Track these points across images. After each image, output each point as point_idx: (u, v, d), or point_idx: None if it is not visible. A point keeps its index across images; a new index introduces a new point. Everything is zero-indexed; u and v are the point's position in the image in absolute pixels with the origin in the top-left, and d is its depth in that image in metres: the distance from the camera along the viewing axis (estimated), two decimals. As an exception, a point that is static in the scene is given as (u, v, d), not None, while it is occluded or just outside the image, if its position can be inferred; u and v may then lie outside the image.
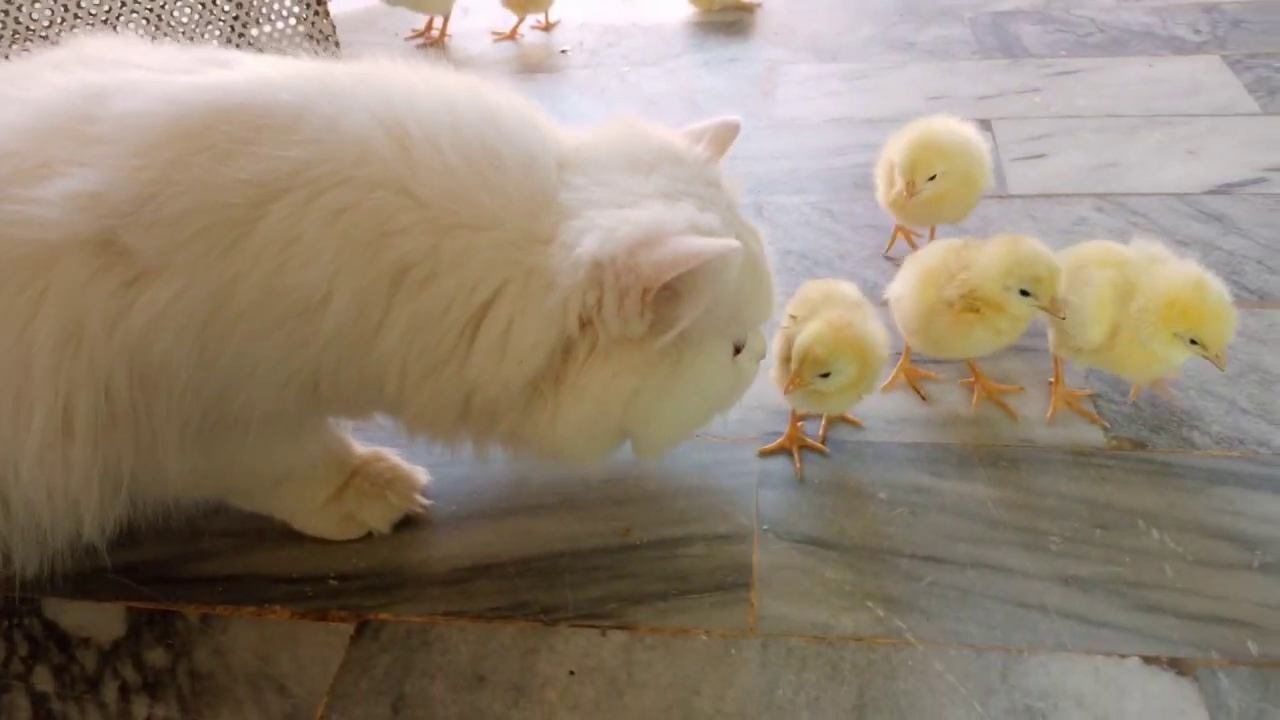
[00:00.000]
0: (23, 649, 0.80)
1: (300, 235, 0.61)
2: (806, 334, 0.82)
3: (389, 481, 0.89)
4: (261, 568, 0.86)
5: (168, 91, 0.64)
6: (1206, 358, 0.81)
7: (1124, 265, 0.86)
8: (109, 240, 0.60)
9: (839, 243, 1.23)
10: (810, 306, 0.87)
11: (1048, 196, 1.28)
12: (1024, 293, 0.86)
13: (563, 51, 1.86)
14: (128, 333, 0.61)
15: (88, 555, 0.75)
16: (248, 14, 1.58)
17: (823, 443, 0.93)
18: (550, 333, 0.64)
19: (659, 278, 0.61)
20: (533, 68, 1.81)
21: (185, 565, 0.87)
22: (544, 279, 0.64)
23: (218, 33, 1.55)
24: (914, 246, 1.17)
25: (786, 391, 0.84)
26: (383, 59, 0.70)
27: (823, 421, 0.95)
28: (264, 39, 1.61)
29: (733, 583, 0.81)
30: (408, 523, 0.89)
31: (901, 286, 0.95)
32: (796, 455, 0.92)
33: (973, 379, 0.98)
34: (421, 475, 0.91)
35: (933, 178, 1.05)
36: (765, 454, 0.93)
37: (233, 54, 0.72)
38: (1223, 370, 0.83)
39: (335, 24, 1.68)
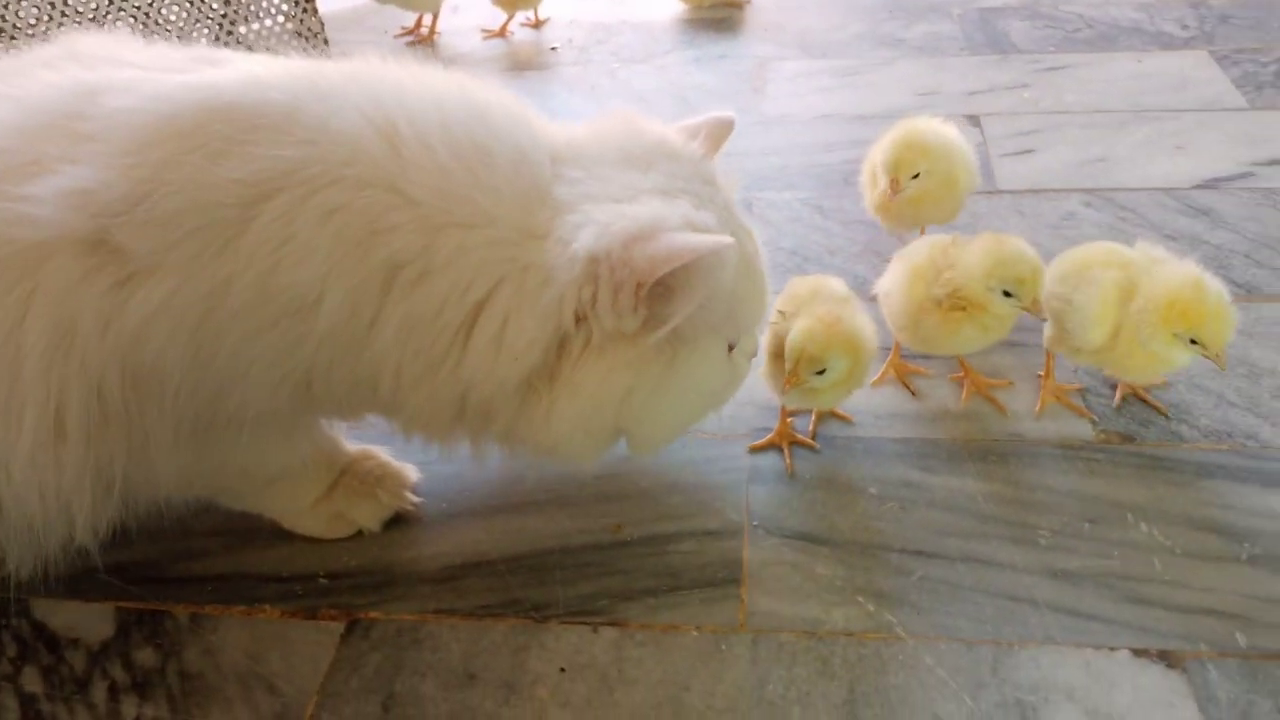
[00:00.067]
0: (11, 650, 0.80)
1: (293, 235, 0.61)
2: (798, 333, 0.82)
3: (379, 479, 0.89)
4: (251, 567, 0.85)
5: (160, 90, 0.64)
6: (1207, 357, 0.81)
7: (1127, 266, 0.85)
8: (101, 239, 0.60)
9: (829, 238, 1.23)
10: (798, 302, 0.88)
11: (1036, 192, 1.28)
12: (1006, 293, 0.86)
13: (552, 49, 1.86)
14: (120, 333, 0.61)
15: (79, 556, 0.75)
16: (236, 12, 1.57)
17: (813, 438, 0.93)
18: (546, 329, 0.64)
19: (653, 273, 0.61)
20: (522, 65, 1.81)
21: (174, 565, 0.86)
22: (540, 275, 0.64)
23: (207, 31, 1.55)
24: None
25: (784, 391, 0.84)
26: (372, 57, 0.70)
27: (813, 417, 0.95)
28: (252, 36, 1.60)
29: (723, 579, 0.81)
30: (398, 521, 0.88)
31: (890, 282, 0.95)
32: (787, 451, 0.92)
33: (962, 374, 0.98)
34: (411, 473, 0.91)
35: (916, 176, 1.05)
36: (755, 450, 0.93)
37: (225, 53, 0.72)
38: (1223, 370, 0.82)
39: (324, 21, 1.67)
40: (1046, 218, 1.23)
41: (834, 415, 0.96)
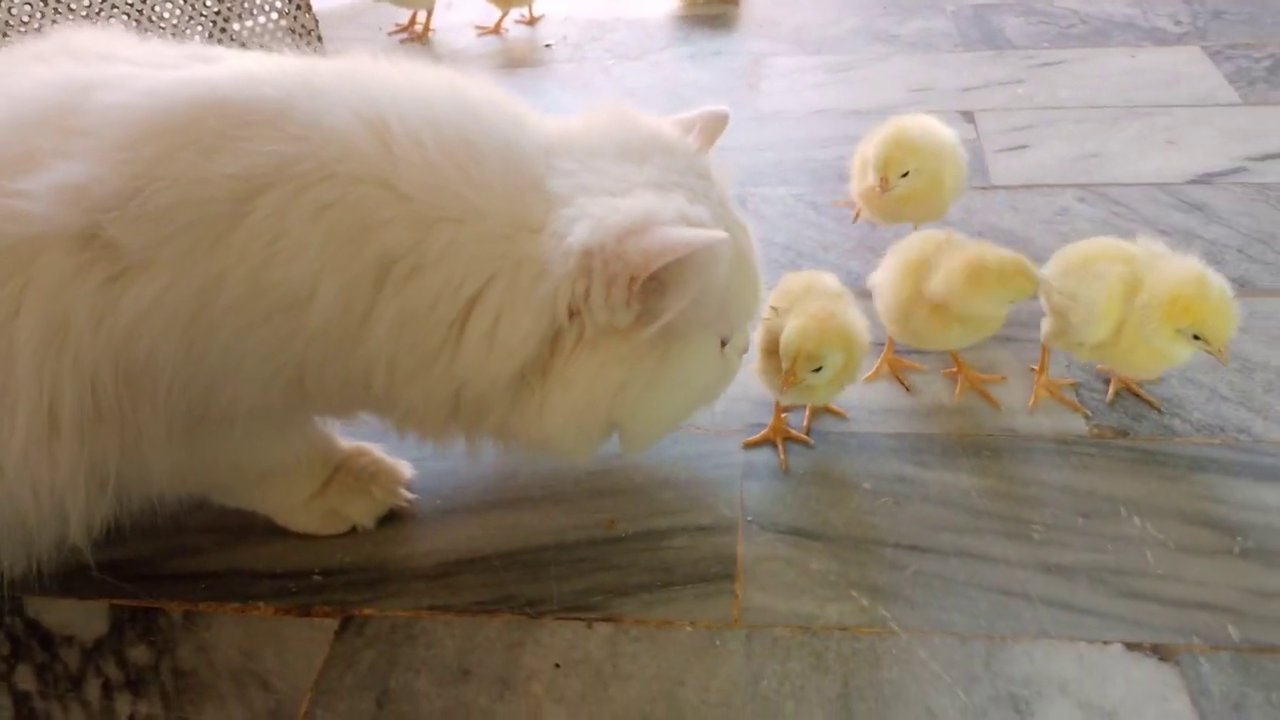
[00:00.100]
0: (4, 648, 0.80)
1: (285, 231, 0.61)
2: (794, 331, 0.81)
3: (373, 476, 0.88)
4: (245, 564, 0.85)
5: (153, 85, 0.64)
6: (1209, 353, 0.81)
7: (1131, 261, 0.85)
8: (93, 234, 0.60)
9: (823, 234, 1.23)
10: (792, 298, 0.88)
11: (1030, 187, 1.28)
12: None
13: (547, 46, 1.85)
14: (113, 329, 0.61)
15: (71, 554, 0.75)
16: (230, 9, 1.57)
17: (807, 434, 0.93)
18: (539, 323, 0.64)
19: (647, 266, 0.61)
20: (516, 62, 1.81)
21: (168, 562, 0.86)
22: (534, 269, 0.64)
23: (201, 29, 1.54)
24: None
25: (783, 390, 0.84)
26: (364, 55, 0.69)
27: (807, 413, 0.95)
28: (246, 34, 1.60)
29: (717, 574, 0.81)
30: (392, 517, 0.88)
31: (882, 277, 0.96)
32: (781, 447, 0.92)
33: (956, 369, 0.98)
34: (406, 469, 0.91)
35: (905, 174, 1.05)
36: (749, 445, 0.93)
37: (218, 50, 0.72)
38: (1225, 365, 0.82)
39: (318, 19, 1.67)
40: (1040, 213, 1.23)
41: (828, 411, 0.96)
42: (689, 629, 0.77)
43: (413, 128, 0.64)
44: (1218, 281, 0.81)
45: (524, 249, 0.64)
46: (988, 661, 0.72)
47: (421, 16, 1.93)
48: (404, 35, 1.94)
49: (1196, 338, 0.81)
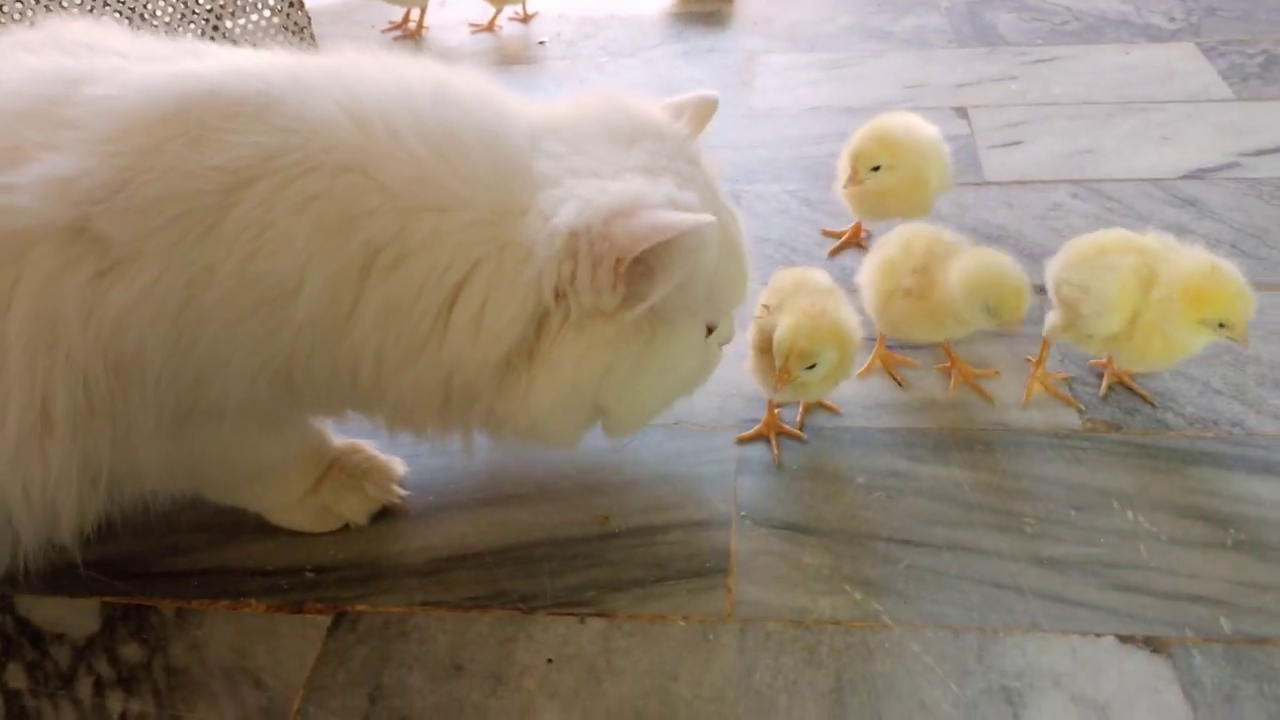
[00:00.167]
0: (-5, 646, 0.80)
1: (273, 222, 0.61)
2: (787, 329, 0.81)
3: (366, 473, 0.88)
4: (237, 561, 0.85)
5: (140, 78, 0.63)
6: (1232, 339, 0.81)
7: (1145, 253, 0.85)
8: (82, 228, 0.60)
9: (816, 230, 1.23)
10: (783, 295, 0.87)
11: (1023, 183, 1.28)
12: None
13: (541, 43, 1.85)
14: (102, 321, 0.61)
15: (61, 552, 0.74)
16: (223, 7, 1.57)
17: (800, 429, 0.93)
18: (526, 306, 0.64)
19: (633, 248, 0.61)
20: (510, 59, 1.81)
21: (160, 560, 0.86)
22: (519, 252, 0.63)
23: (194, 27, 1.54)
24: (863, 248, 1.18)
25: (777, 388, 0.84)
26: (348, 49, 0.69)
27: (800, 408, 0.95)
28: (239, 31, 1.60)
29: (710, 569, 0.81)
30: (385, 514, 0.88)
31: (864, 274, 0.96)
32: (774, 442, 0.92)
33: (949, 364, 0.98)
34: (399, 466, 0.91)
35: (876, 169, 1.05)
36: (743, 441, 0.93)
37: (209, 46, 0.72)
38: (1245, 348, 0.82)
39: (311, 16, 1.66)
40: (1034, 209, 1.23)
41: (821, 406, 0.96)
42: (682, 624, 0.77)
43: (391, 119, 0.64)
44: (1229, 268, 0.81)
45: (509, 233, 0.64)
46: (980, 654, 0.72)
47: (415, 14, 1.93)
48: (397, 33, 1.93)
49: (1221, 325, 0.80)
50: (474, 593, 0.81)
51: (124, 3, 1.45)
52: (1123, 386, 0.95)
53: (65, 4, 1.40)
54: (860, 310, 0.93)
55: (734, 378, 0.94)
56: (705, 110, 0.76)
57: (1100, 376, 0.96)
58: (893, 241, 0.94)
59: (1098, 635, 0.73)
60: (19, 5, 1.36)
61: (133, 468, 0.69)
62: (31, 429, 0.62)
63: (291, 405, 0.73)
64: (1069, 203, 1.23)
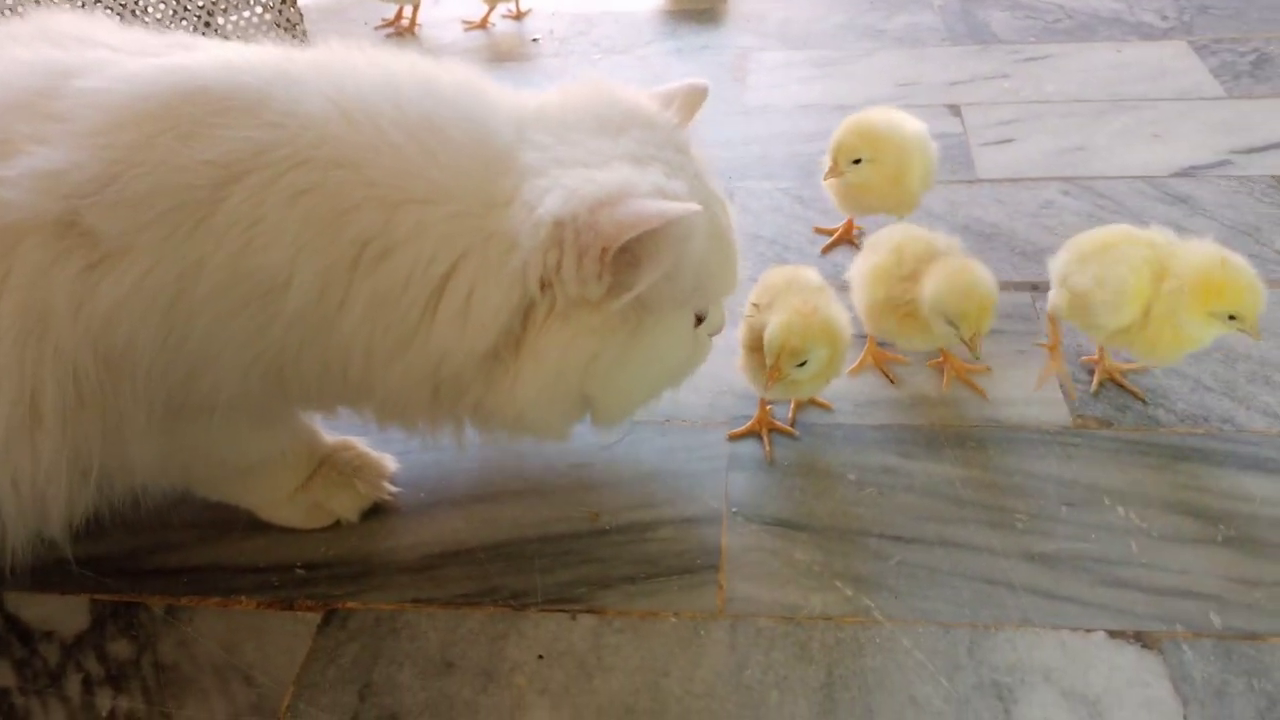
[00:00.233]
0: (-17, 643, 0.79)
1: (263, 216, 0.61)
2: (778, 327, 0.81)
3: (357, 470, 0.88)
4: (228, 558, 0.85)
5: (130, 72, 0.63)
6: (1243, 331, 0.81)
7: (1154, 246, 0.85)
8: (72, 221, 0.60)
9: (809, 227, 1.23)
10: (773, 293, 0.87)
11: (1015, 180, 1.28)
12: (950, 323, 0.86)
13: (534, 40, 1.85)
14: (92, 315, 0.60)
15: (50, 548, 0.74)
16: (215, 3, 1.56)
17: (792, 426, 0.93)
18: (511, 297, 0.64)
19: (619, 237, 0.60)
20: (503, 56, 1.80)
21: (150, 557, 0.86)
22: (505, 242, 0.63)
23: (185, 24, 1.53)
24: (855, 245, 1.18)
25: (768, 386, 0.83)
26: (335, 44, 0.69)
27: (792, 405, 0.95)
28: (231, 28, 1.59)
29: (701, 565, 0.81)
30: (376, 511, 0.88)
31: (855, 276, 0.96)
32: (766, 438, 0.92)
33: (942, 360, 0.98)
34: (390, 463, 0.90)
35: (857, 162, 1.05)
36: (734, 438, 0.93)
37: (200, 40, 0.72)
38: (1257, 339, 0.82)
39: (304, 13, 1.66)
40: (1025, 206, 1.23)
41: (813, 403, 0.96)
42: (673, 620, 0.77)
43: (381, 112, 0.63)
44: (1239, 260, 0.81)
45: (494, 223, 0.63)
46: (971, 650, 0.72)
47: (408, 11, 1.93)
48: (390, 30, 1.93)
49: (1231, 318, 0.80)
50: (465, 589, 0.80)
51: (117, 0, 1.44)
52: (1114, 383, 0.95)
53: (57, 1, 1.40)
54: (851, 308, 0.93)
55: (725, 374, 0.94)
56: (694, 99, 0.76)
57: (1091, 373, 0.96)
58: (884, 245, 0.94)
59: (1088, 630, 0.73)
60: (10, 1, 1.35)
61: (123, 462, 0.69)
62: (21, 421, 0.62)
63: (282, 400, 0.72)
64: (1061, 200, 1.24)
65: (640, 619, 0.77)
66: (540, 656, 0.75)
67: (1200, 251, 0.82)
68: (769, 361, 0.82)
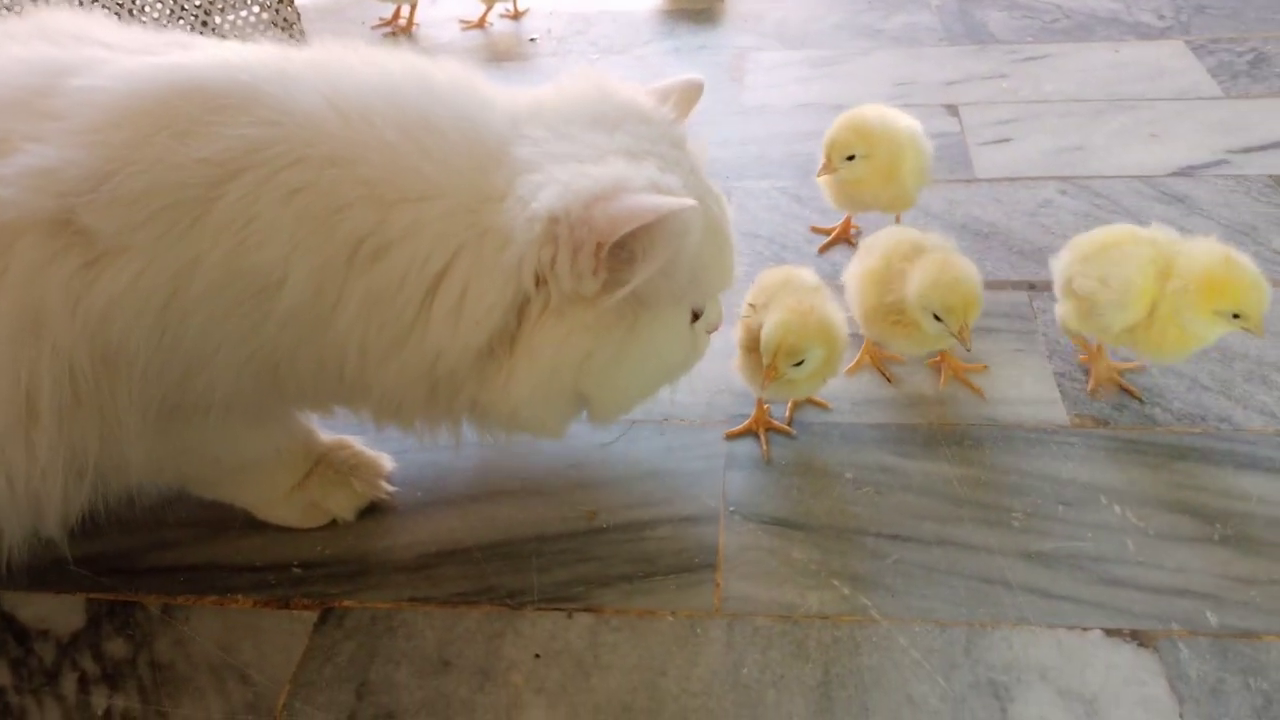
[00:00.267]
0: (-21, 643, 0.79)
1: (258, 214, 0.60)
2: (774, 325, 0.81)
3: (353, 469, 0.88)
4: (224, 557, 0.85)
5: (126, 70, 0.63)
6: (1247, 329, 0.81)
7: (1157, 244, 0.85)
8: (67, 220, 0.60)
9: (806, 227, 1.23)
10: (769, 294, 0.87)
11: (1013, 180, 1.28)
12: (937, 317, 0.86)
13: (531, 39, 1.85)
14: (88, 313, 0.60)
15: (46, 547, 0.74)
16: (212, 3, 1.56)
17: (789, 425, 0.93)
18: (506, 293, 0.63)
19: (613, 232, 0.60)
20: (501, 56, 1.80)
21: (146, 556, 0.85)
22: (499, 238, 0.63)
23: (183, 23, 1.53)
24: (853, 244, 1.18)
25: (764, 385, 0.83)
26: (331, 43, 0.69)
27: (789, 403, 0.95)
28: (228, 27, 1.59)
29: (698, 564, 0.80)
30: (373, 510, 0.88)
31: (849, 278, 0.96)
32: (763, 437, 0.92)
33: (939, 358, 0.98)
34: (386, 462, 0.90)
35: (851, 158, 1.05)
36: (732, 437, 0.93)
37: (195, 38, 0.72)
38: (1261, 337, 0.82)
39: (301, 13, 1.66)
40: (1023, 205, 1.23)
41: (812, 403, 0.96)
42: (670, 618, 0.77)
43: (375, 110, 0.63)
44: (1243, 259, 0.81)
45: (488, 219, 0.63)
46: (967, 648, 0.72)
47: (406, 10, 1.93)
48: (388, 29, 1.93)
49: (1235, 316, 0.80)
50: (462, 588, 0.80)
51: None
52: (1111, 382, 0.95)
53: (55, 1, 1.39)
54: (848, 309, 0.93)
55: (723, 373, 0.94)
56: (691, 94, 0.76)
57: (1087, 373, 0.96)
58: (875, 249, 0.94)
59: (1084, 629, 0.73)
60: (6, 0, 1.35)
61: (119, 460, 0.68)
62: (16, 419, 0.62)
63: (278, 398, 0.72)
64: (1058, 199, 1.24)
65: (637, 618, 0.77)
66: (537, 655, 0.75)
67: (1205, 250, 0.82)
68: (766, 361, 0.82)
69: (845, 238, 1.20)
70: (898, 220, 1.18)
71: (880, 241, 0.95)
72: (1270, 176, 1.24)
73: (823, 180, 1.12)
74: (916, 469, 0.88)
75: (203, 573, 0.83)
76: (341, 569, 0.83)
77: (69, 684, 0.75)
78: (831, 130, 1.07)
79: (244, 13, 1.60)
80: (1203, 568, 0.77)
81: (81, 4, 1.41)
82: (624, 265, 0.62)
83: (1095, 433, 0.90)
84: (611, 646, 0.75)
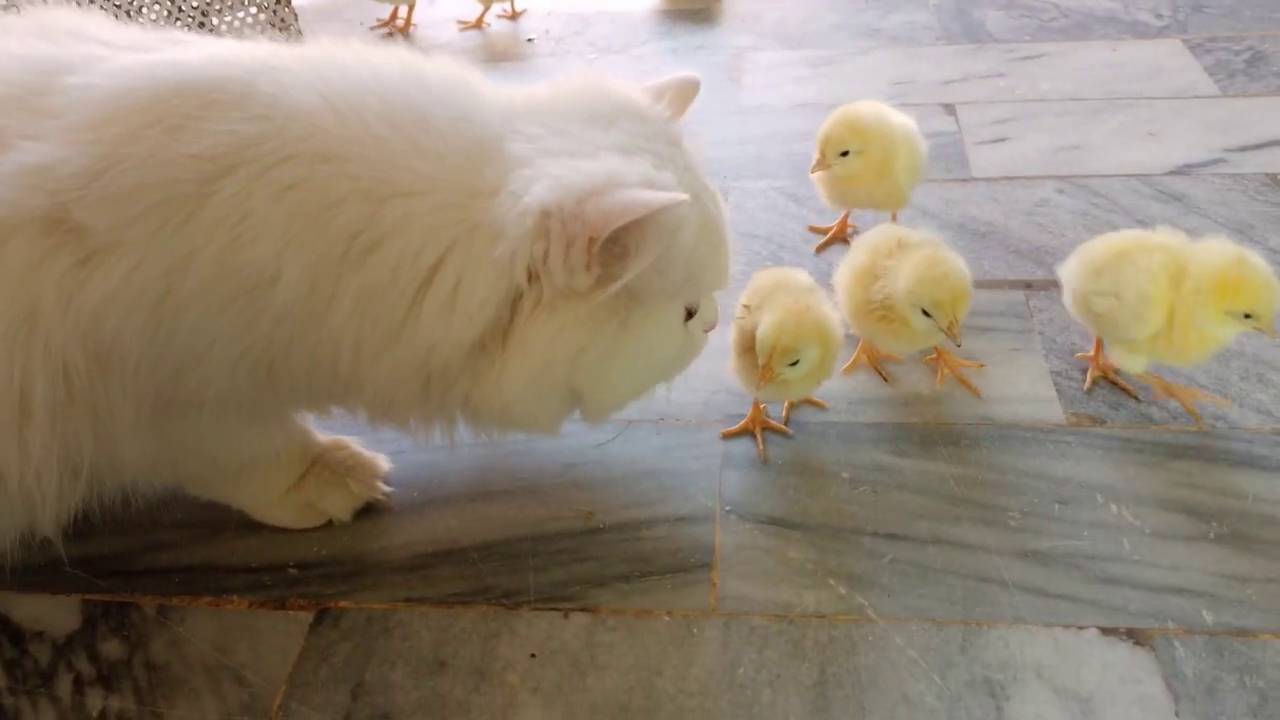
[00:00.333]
0: (-26, 644, 0.79)
1: (251, 210, 0.60)
2: (769, 326, 0.81)
3: (350, 469, 0.88)
4: (219, 558, 0.85)
5: (118, 67, 0.63)
6: (1258, 329, 0.80)
7: (1165, 249, 0.84)
8: (60, 218, 0.59)
9: (804, 226, 1.23)
10: (763, 294, 0.87)
11: (1010, 179, 1.28)
12: (926, 313, 0.86)
13: (529, 40, 1.85)
14: (81, 311, 0.60)
15: (41, 548, 0.74)
16: (209, 4, 1.56)
17: (785, 424, 0.93)
18: (498, 288, 0.63)
19: (606, 227, 0.60)
20: (499, 56, 1.80)
21: (142, 557, 0.85)
22: (491, 232, 0.63)
23: (180, 24, 1.53)
24: (847, 241, 1.18)
25: (760, 386, 0.83)
26: (325, 40, 0.69)
27: (785, 403, 0.95)
28: (225, 28, 1.59)
29: (695, 564, 0.80)
30: (369, 510, 0.88)
31: (838, 279, 0.96)
32: (759, 437, 0.92)
33: (936, 356, 0.98)
34: (383, 462, 0.90)
35: (845, 154, 1.05)
36: (728, 436, 0.93)
37: (190, 36, 0.72)
38: (1273, 337, 0.81)
39: (299, 14, 1.66)
40: (1020, 204, 1.23)
41: (809, 402, 0.96)
42: (666, 618, 0.76)
43: (367, 105, 0.63)
44: (1255, 258, 0.80)
45: (480, 214, 0.63)
46: (964, 647, 0.72)
47: (403, 11, 1.93)
48: (385, 30, 1.93)
49: (1247, 316, 0.80)
50: (457, 589, 0.80)
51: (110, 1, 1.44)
52: (1107, 381, 0.95)
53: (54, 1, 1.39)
54: (839, 306, 0.93)
55: (719, 372, 0.94)
56: (687, 92, 0.76)
57: (1084, 371, 0.96)
58: (862, 247, 0.94)
59: (1080, 628, 0.73)
60: (3, 1, 1.35)
61: (113, 459, 0.68)
62: (10, 418, 0.62)
63: (272, 395, 0.72)
64: (1056, 198, 1.24)
65: (633, 617, 0.77)
66: (533, 655, 0.75)
67: (1218, 250, 0.82)
68: (761, 361, 0.82)
69: (842, 237, 1.20)
70: (894, 220, 1.18)
71: (868, 239, 0.95)
72: (1267, 175, 1.24)
73: (816, 177, 1.12)
74: (913, 468, 0.88)
75: (198, 573, 0.83)
76: (337, 569, 0.83)
77: (64, 685, 0.75)
78: (825, 126, 1.07)
79: (241, 14, 1.60)
80: (1199, 566, 0.77)
81: (80, 6, 1.41)
82: (616, 260, 0.62)
83: (1091, 431, 0.90)
84: (608, 646, 0.75)
